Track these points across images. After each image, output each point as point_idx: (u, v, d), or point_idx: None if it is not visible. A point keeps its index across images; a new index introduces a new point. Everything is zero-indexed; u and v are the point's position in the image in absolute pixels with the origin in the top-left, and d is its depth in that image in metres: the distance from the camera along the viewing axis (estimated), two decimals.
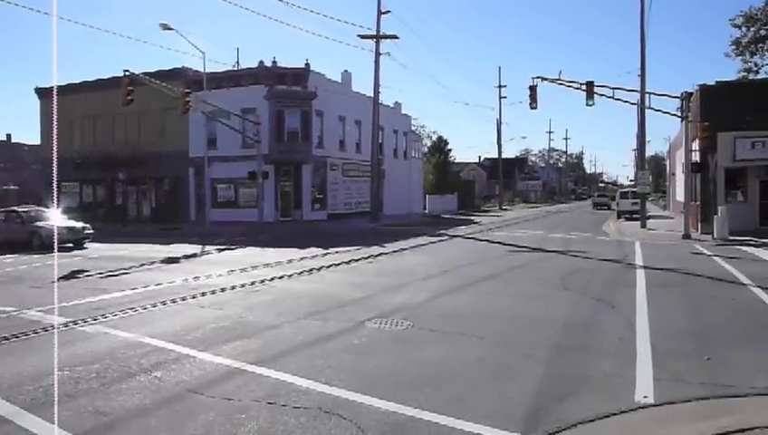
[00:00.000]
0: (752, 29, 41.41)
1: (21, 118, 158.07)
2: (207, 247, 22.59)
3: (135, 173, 39.33)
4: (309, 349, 7.59)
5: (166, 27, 29.88)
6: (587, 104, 25.94)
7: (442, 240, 25.32)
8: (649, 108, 28.45)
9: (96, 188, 43.65)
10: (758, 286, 11.73)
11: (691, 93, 25.97)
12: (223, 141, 36.19)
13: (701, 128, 23.94)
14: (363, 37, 35.70)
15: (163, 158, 38.69)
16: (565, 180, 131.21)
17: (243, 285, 12.95)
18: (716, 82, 26.59)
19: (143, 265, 17.35)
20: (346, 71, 43.11)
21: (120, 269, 16.25)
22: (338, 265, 16.58)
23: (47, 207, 29.76)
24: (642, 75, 29.53)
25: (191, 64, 39.47)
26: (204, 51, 50.10)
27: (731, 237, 21.96)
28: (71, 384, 6.25)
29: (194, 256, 20.22)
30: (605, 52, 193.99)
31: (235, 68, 43.02)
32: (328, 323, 9.04)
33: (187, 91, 29.85)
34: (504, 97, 71.83)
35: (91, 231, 24.96)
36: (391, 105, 49.81)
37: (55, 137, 35.91)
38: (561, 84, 26.60)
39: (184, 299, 11.37)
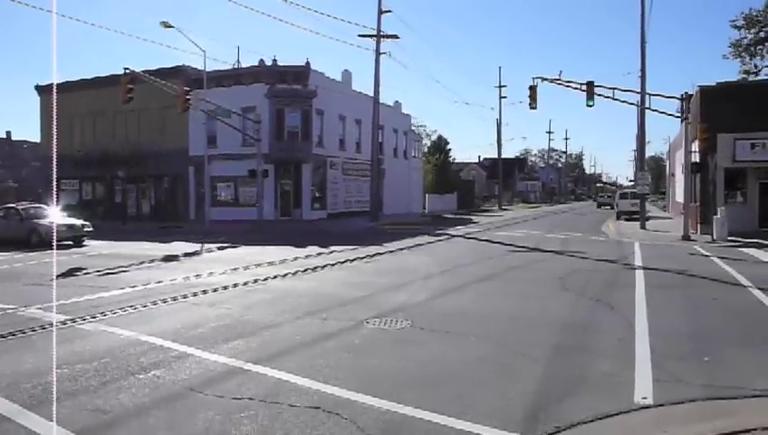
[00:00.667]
0: (752, 31, 41.43)
1: (20, 115, 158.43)
2: (207, 245, 22.58)
3: (135, 171, 39.34)
4: (308, 348, 7.59)
5: (166, 25, 29.84)
6: (587, 105, 25.98)
7: (441, 240, 25.33)
8: (649, 109, 28.47)
9: (96, 185, 43.67)
10: (758, 288, 11.73)
11: (691, 94, 25.97)
12: (223, 140, 36.19)
13: (701, 129, 23.95)
14: (364, 36, 35.76)
15: (163, 156, 38.69)
16: (565, 181, 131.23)
17: (243, 284, 12.94)
18: (716, 83, 26.64)
19: (143, 262, 17.34)
20: (346, 70, 43.18)
21: (120, 267, 16.25)
22: (338, 264, 16.58)
23: (46, 204, 29.75)
24: (642, 76, 29.55)
25: (192, 63, 39.50)
26: (204, 49, 49.96)
27: (730, 239, 21.98)
28: (70, 382, 6.24)
29: (193, 254, 20.22)
30: (605, 52, 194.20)
31: (236, 66, 43.03)
32: (327, 323, 9.04)
33: (187, 89, 29.86)
34: (505, 97, 71.83)
35: (91, 229, 24.95)
36: (391, 104, 49.81)
37: (55, 134, 35.90)
38: (561, 84, 26.63)
39: (184, 297, 11.37)
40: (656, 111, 28.43)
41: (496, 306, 10.34)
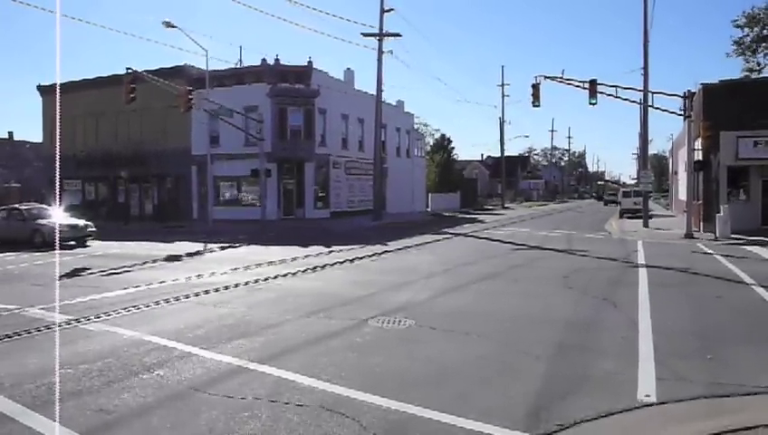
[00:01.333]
0: (755, 29, 41.31)
1: (23, 115, 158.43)
2: (210, 245, 22.61)
3: (137, 171, 39.39)
4: (312, 347, 7.60)
5: (169, 25, 29.90)
6: (590, 103, 25.97)
7: (445, 238, 25.32)
8: (652, 107, 28.41)
9: (98, 185, 43.75)
10: (761, 286, 11.71)
11: (694, 92, 25.94)
12: (225, 139, 36.22)
13: (704, 127, 23.90)
14: (366, 35, 35.70)
15: (166, 156, 38.72)
16: (568, 179, 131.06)
17: (246, 283, 12.96)
18: (719, 81, 26.57)
19: (146, 263, 17.37)
20: (349, 69, 43.18)
21: (123, 267, 16.28)
22: (340, 263, 16.59)
23: (49, 204, 29.80)
24: (645, 74, 29.46)
25: (194, 62, 39.62)
26: (206, 49, 49.83)
27: (733, 236, 21.93)
28: (73, 382, 6.26)
29: (196, 253, 20.25)
30: (608, 50, 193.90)
31: (238, 66, 43.01)
32: (331, 322, 9.04)
33: (190, 88, 29.90)
34: (507, 95, 72.39)
35: (94, 229, 25.00)
36: (394, 103, 49.81)
37: (58, 134, 35.97)
38: (564, 83, 26.60)
39: (187, 297, 11.38)
40: (659, 109, 28.47)
41: (499, 305, 10.33)
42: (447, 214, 49.16)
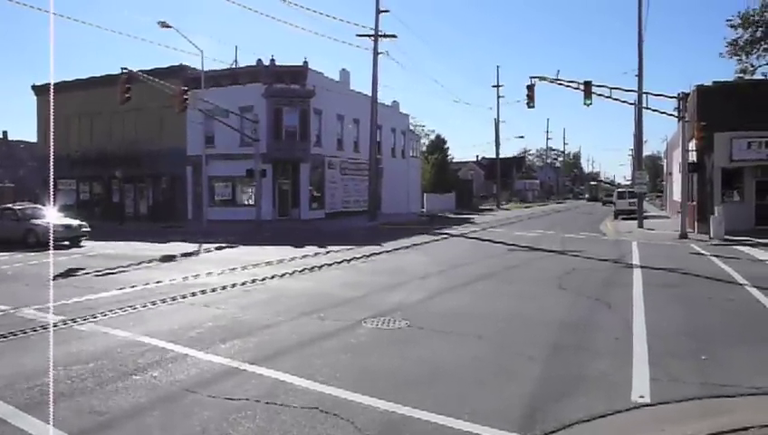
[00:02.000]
0: (748, 30, 41.43)
1: (17, 115, 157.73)
2: (205, 246, 22.55)
3: (132, 171, 39.27)
4: (306, 348, 7.58)
5: (164, 25, 29.80)
6: (585, 104, 26.05)
7: (440, 239, 25.33)
8: (647, 108, 28.56)
9: (93, 185, 43.59)
10: (755, 286, 11.75)
11: (688, 94, 26.03)
12: (221, 140, 36.13)
13: (698, 128, 23.99)
14: (362, 36, 35.81)
15: (161, 156, 38.61)
16: (562, 180, 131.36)
17: (240, 284, 12.93)
18: (713, 82, 26.67)
19: (140, 263, 17.31)
20: (344, 69, 43.14)
21: (117, 267, 16.22)
22: (336, 263, 16.57)
23: (43, 204, 29.67)
24: (639, 76, 29.56)
25: (189, 62, 39.36)
26: (202, 49, 49.74)
27: (727, 237, 22.00)
28: (66, 384, 6.23)
29: (191, 254, 20.19)
30: (603, 51, 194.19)
31: (234, 66, 42.95)
32: (325, 322, 9.03)
33: (185, 88, 29.79)
34: (502, 96, 72.07)
35: (88, 229, 24.88)
36: (389, 104, 49.79)
37: (52, 134, 35.81)
38: (558, 84, 26.66)
39: (182, 297, 11.35)
40: (653, 110, 28.67)
41: (494, 306, 10.34)
42: (442, 215, 49.16)
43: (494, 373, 6.51)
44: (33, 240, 23.00)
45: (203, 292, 11.94)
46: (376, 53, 36.54)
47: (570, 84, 26.52)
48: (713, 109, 24.67)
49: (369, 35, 35.88)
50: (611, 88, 26.03)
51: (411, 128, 58.65)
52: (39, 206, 27.80)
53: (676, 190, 38.92)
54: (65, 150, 40.81)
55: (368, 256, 18.31)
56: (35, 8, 60.79)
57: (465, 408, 5.37)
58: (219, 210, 36.12)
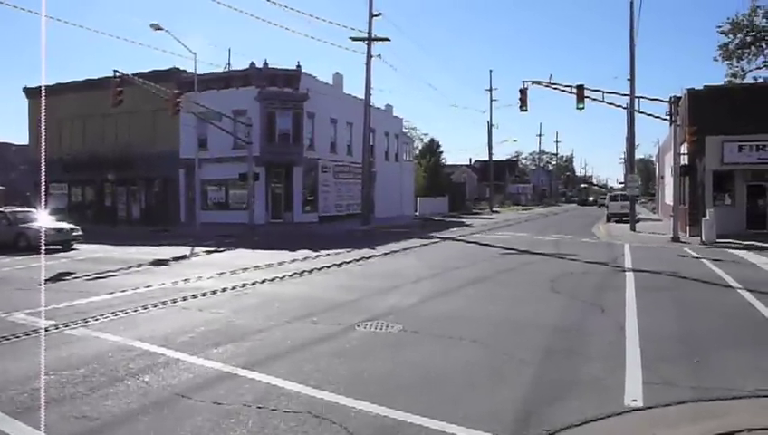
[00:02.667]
0: (738, 35, 41.74)
1: (9, 118, 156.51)
2: (197, 249, 22.46)
3: (125, 174, 39.08)
4: (298, 352, 7.55)
5: (157, 28, 29.70)
6: (577, 107, 26.19)
7: (433, 242, 25.33)
8: (639, 111, 28.68)
9: (85, 189, 43.30)
10: (746, 289, 11.82)
11: (680, 97, 26.18)
12: (214, 143, 36.04)
13: (689, 131, 24.14)
14: (355, 39, 35.68)
15: (153, 159, 38.44)
16: (555, 183, 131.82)
17: (232, 288, 12.88)
18: (705, 86, 26.86)
19: (132, 267, 17.22)
20: (337, 73, 43.13)
21: (109, 271, 16.13)
22: (328, 267, 16.53)
23: (35, 208, 29.48)
24: (631, 79, 29.74)
25: (182, 65, 39.17)
26: (195, 52, 49.68)
27: (719, 240, 22.13)
28: (57, 389, 6.17)
29: (183, 258, 20.10)
30: (596, 55, 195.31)
31: (227, 69, 42.86)
32: (318, 327, 9.00)
33: (178, 92, 29.74)
34: (495, 100, 72.45)
35: (80, 233, 24.74)
36: (383, 107, 49.81)
37: (44, 137, 35.61)
38: (551, 87, 26.79)
39: (173, 302, 11.29)
40: (645, 113, 28.67)
41: (487, 309, 10.34)
42: (436, 218, 49.21)
43: (487, 377, 6.51)
44: (25, 244, 22.82)
45: (195, 296, 11.89)
46: (369, 57, 36.55)
47: (563, 89, 26.64)
48: (704, 112, 24.83)
49: (362, 39, 35.87)
50: (604, 92, 26.22)
51: (404, 131, 58.69)
52: (30, 209, 27.62)
53: (668, 194, 39.12)
54: (57, 153, 40.58)
55: (361, 260, 18.29)
56: (28, 11, 60.48)
57: (458, 412, 5.37)
58: (212, 214, 35.97)
